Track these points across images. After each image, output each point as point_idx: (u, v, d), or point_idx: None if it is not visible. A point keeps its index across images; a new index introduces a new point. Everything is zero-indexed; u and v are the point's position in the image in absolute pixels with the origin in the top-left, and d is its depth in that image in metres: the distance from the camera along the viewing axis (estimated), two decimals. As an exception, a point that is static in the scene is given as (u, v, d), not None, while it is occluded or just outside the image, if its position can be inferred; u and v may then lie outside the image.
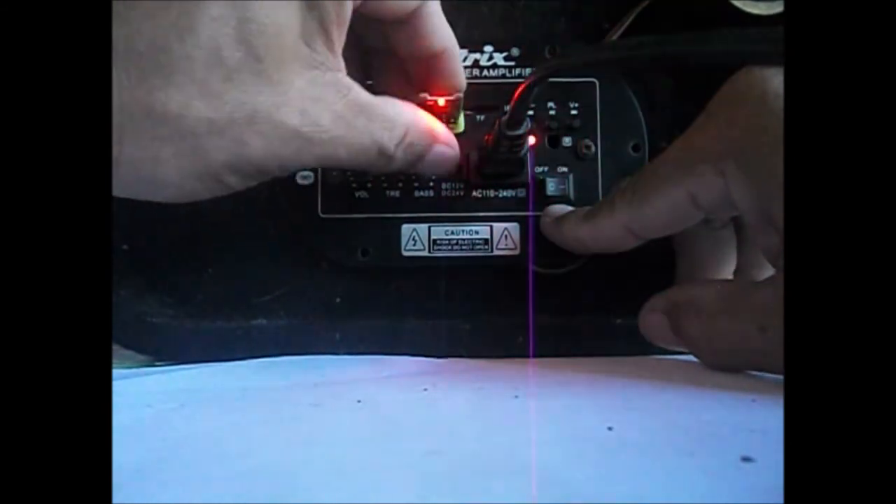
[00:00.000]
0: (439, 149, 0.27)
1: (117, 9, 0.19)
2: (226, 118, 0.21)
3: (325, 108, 0.23)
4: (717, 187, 0.24)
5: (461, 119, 0.29)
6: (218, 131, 0.21)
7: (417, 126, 0.26)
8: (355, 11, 0.23)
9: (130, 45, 0.20)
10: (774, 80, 0.24)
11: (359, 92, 0.24)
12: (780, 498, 0.14)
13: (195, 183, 0.22)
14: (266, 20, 0.21)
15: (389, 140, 0.25)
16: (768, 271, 0.27)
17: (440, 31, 0.27)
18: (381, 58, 0.29)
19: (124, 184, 0.22)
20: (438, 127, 0.27)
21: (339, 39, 0.23)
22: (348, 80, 0.24)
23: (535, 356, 0.32)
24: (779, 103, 0.23)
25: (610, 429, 0.18)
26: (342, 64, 0.24)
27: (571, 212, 0.30)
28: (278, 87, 0.22)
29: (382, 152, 0.25)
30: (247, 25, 0.21)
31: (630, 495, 0.14)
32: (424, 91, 0.27)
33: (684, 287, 0.28)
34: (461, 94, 0.28)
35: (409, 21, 0.26)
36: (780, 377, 0.24)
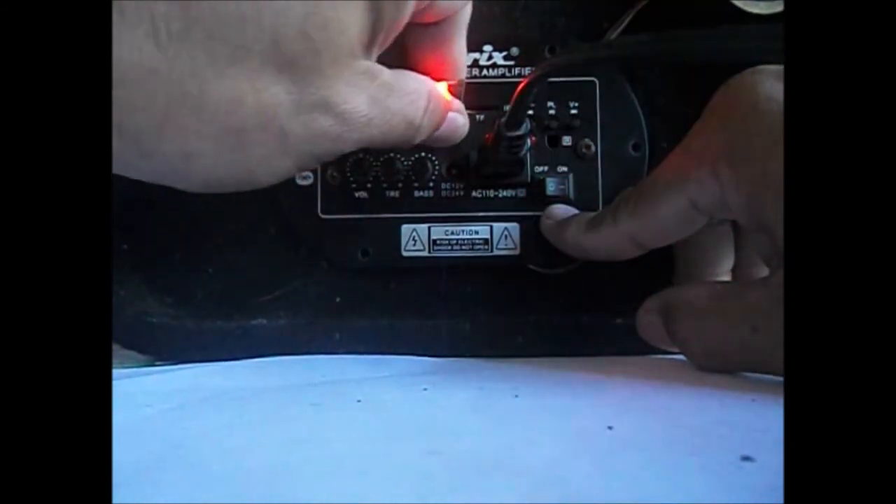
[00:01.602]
0: (452, 115, 0.27)
1: None
2: (272, 111, 0.21)
3: (363, 94, 0.23)
4: (715, 190, 0.24)
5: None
6: (262, 125, 0.21)
7: (437, 93, 0.26)
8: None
9: (186, 32, 0.19)
10: (766, 83, 0.24)
11: (387, 72, 0.24)
12: (780, 498, 0.14)
13: (225, 177, 0.22)
14: (332, 15, 0.21)
15: (416, 112, 0.25)
16: (766, 269, 0.28)
17: (460, 44, 0.27)
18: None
19: (153, 173, 0.21)
20: (449, 96, 0.27)
21: (386, 41, 0.23)
22: (378, 65, 0.23)
23: (532, 355, 0.32)
24: (770, 107, 0.23)
25: (610, 428, 0.18)
26: (375, 56, 0.24)
27: (574, 217, 0.30)
28: (328, 80, 0.21)
29: (411, 125, 0.25)
30: (312, 19, 0.20)
31: (630, 495, 0.14)
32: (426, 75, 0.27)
33: (678, 288, 0.28)
34: (463, 79, 0.28)
35: (437, 25, 0.26)
36: (777, 377, 0.24)
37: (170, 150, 0.20)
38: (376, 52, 0.23)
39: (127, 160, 0.20)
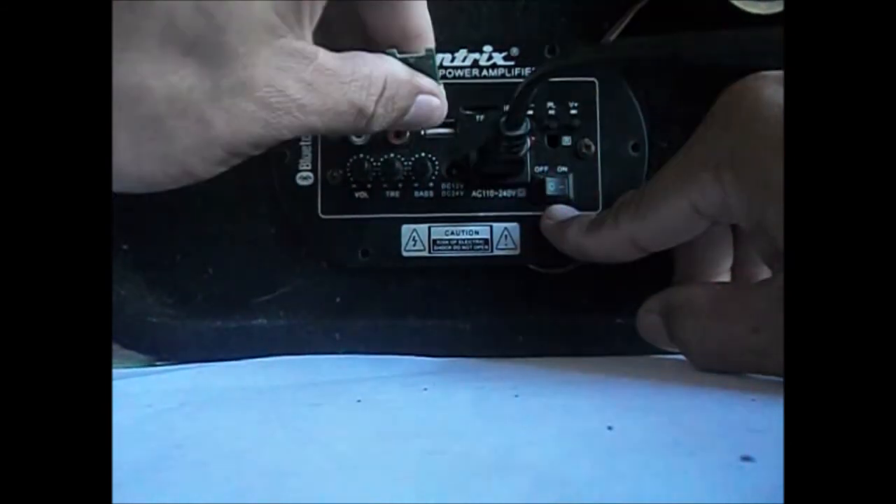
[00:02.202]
0: (423, 98, 0.25)
1: None
2: (185, 97, 0.20)
3: (291, 77, 0.21)
4: (717, 195, 0.25)
5: (437, 74, 0.26)
6: (178, 112, 0.20)
7: (396, 77, 0.24)
8: None
9: None
10: (769, 88, 0.24)
11: (325, 55, 0.22)
12: (780, 498, 0.14)
13: (156, 171, 0.21)
14: None
15: (368, 98, 0.23)
16: (765, 268, 0.28)
17: (420, 12, 0.25)
18: (341, 20, 0.26)
19: None
20: (419, 77, 0.25)
21: (313, 14, 0.22)
22: (314, 47, 0.22)
23: (532, 355, 0.32)
24: (773, 112, 0.23)
25: (610, 428, 0.18)
26: (309, 34, 0.22)
27: (574, 218, 0.30)
28: (243, 60, 0.20)
29: (362, 112, 0.23)
30: None
31: (630, 495, 0.14)
32: (391, 47, 0.25)
33: (679, 288, 0.28)
34: (432, 48, 0.26)
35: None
36: (777, 378, 0.24)
37: None
38: (308, 28, 0.22)
39: None
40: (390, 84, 0.24)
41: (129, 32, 0.19)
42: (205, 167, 0.21)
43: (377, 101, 0.23)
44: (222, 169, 0.22)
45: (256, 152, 0.22)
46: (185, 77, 0.20)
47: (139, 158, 0.20)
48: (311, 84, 0.22)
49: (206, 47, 0.20)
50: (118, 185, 0.21)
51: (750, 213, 0.24)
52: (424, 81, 0.25)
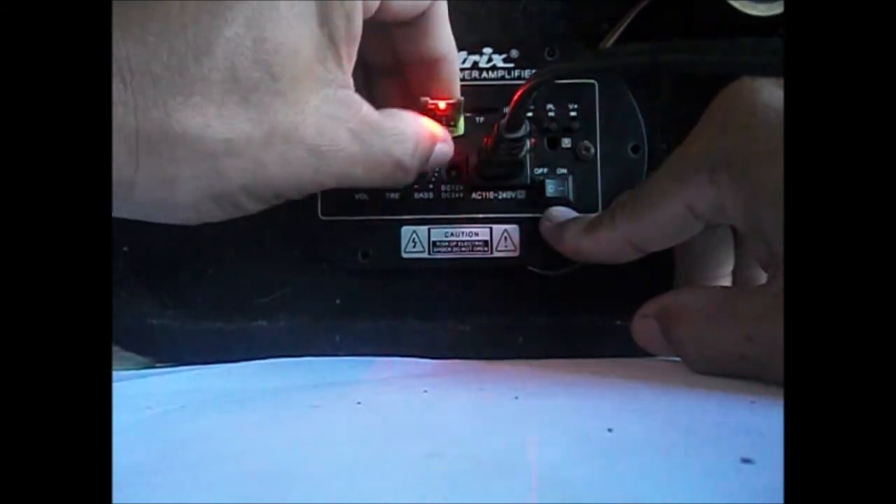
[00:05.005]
0: (439, 147, 0.28)
1: (133, 32, 0.20)
2: (244, 139, 0.21)
3: (339, 126, 0.23)
4: (712, 196, 0.25)
5: (461, 122, 0.30)
6: (236, 152, 0.22)
7: (423, 134, 0.27)
8: (366, 23, 0.24)
9: (147, 68, 0.20)
10: (765, 90, 0.24)
11: (369, 109, 0.24)
12: (780, 499, 0.14)
13: (211, 205, 0.23)
14: (282, 39, 0.21)
15: (404, 153, 0.25)
16: (763, 272, 0.28)
17: (444, 35, 0.27)
18: (380, 71, 0.29)
19: (140, 206, 0.22)
20: (435, 127, 0.28)
21: (350, 56, 0.24)
22: (359, 97, 0.24)
23: (532, 357, 0.32)
24: (769, 114, 0.23)
25: (610, 430, 0.18)
26: (351, 81, 0.24)
27: (572, 220, 0.30)
28: (294, 106, 0.22)
29: (399, 165, 0.25)
30: (262, 45, 0.21)
31: (630, 496, 0.14)
32: (425, 96, 0.28)
33: (676, 293, 0.28)
34: (462, 98, 0.28)
35: (417, 22, 0.26)
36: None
37: (149, 178, 0.21)
38: (349, 71, 0.23)
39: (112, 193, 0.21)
40: (420, 139, 0.26)
41: (196, 81, 0.21)
42: (254, 205, 0.24)
43: (412, 156, 0.26)
44: (270, 206, 0.24)
45: (299, 197, 0.24)
46: (243, 122, 0.21)
47: (197, 194, 0.22)
48: (357, 134, 0.24)
49: (262, 95, 0.22)
50: (176, 218, 0.23)
51: (745, 216, 0.24)
52: (438, 130, 0.28)
